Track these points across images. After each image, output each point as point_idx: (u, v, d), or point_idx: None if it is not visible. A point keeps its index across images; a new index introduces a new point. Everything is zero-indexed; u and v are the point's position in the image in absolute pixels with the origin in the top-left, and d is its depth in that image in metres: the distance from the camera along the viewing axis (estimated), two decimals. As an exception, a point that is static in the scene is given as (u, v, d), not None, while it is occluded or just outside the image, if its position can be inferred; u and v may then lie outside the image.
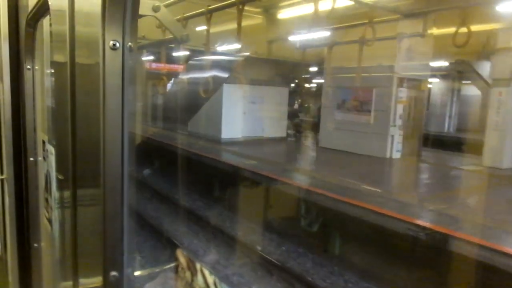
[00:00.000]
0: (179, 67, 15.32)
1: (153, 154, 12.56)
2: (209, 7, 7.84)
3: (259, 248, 6.68)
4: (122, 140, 0.78)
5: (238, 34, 7.13)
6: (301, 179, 7.77)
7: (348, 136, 11.04)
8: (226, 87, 12.34)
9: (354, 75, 9.91)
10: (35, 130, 1.73)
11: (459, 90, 18.88)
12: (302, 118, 17.01)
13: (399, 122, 10.20)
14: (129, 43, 0.76)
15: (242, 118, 12.82)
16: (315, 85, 22.01)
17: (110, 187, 0.79)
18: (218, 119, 12.52)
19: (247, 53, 12.64)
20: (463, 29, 6.03)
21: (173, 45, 12.27)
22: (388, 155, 10.20)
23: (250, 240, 7.07)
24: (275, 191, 7.72)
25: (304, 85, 20.44)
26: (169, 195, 9.75)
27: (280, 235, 7.25)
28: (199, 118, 13.85)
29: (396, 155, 10.30)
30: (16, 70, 1.77)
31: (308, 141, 14.09)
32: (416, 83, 10.64)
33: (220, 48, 12.44)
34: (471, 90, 18.11)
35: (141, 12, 0.83)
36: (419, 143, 11.18)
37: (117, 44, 0.75)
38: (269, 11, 12.93)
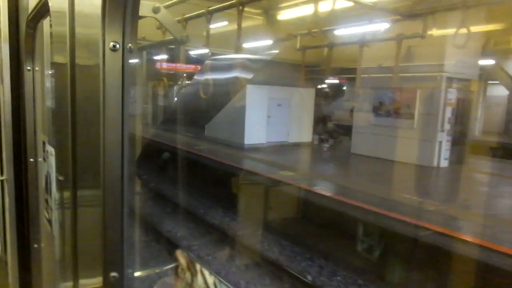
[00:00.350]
0: (192, 68, 14.66)
1: (169, 162, 11.30)
2: (209, 8, 7.85)
3: (309, 278, 5.68)
4: (122, 141, 0.78)
5: (238, 35, 7.14)
6: (349, 194, 6.73)
7: (385, 142, 10.00)
8: (250, 88, 11.32)
9: (393, 75, 9.08)
10: (35, 131, 1.74)
11: (484, 91, 17.39)
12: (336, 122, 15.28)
13: (447, 126, 9.18)
14: (129, 45, 0.76)
15: (267, 122, 11.80)
16: (325, 85, 21.21)
17: (110, 188, 0.79)
18: (241, 123, 11.40)
19: (274, 51, 11.82)
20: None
21: (173, 46, 12.08)
22: (435, 164, 9.18)
23: (297, 268, 6.04)
24: (323, 209, 6.66)
25: (316, 86, 19.43)
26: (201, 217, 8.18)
27: (332, 261, 6.18)
28: (218, 121, 12.83)
29: (444, 163, 9.29)
30: (16, 71, 1.77)
31: (339, 147, 13.02)
32: (465, 83, 9.70)
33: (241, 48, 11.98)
34: (497, 91, 16.84)
35: (141, 13, 0.83)
36: (465, 150, 10.11)
37: (117, 46, 0.75)
38: (269, 12, 12.94)
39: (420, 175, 8.73)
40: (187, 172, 9.92)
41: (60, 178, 1.05)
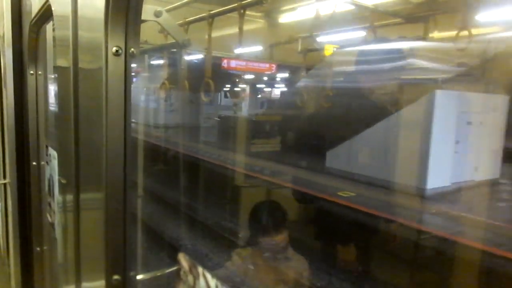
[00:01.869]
0: (266, 67, 11.12)
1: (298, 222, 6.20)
2: (211, 12, 7.89)
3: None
4: (124, 145, 0.79)
5: (240, 38, 7.17)
6: None
7: None
8: (441, 96, 7.34)
9: None
10: (38, 134, 1.74)
11: None
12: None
13: None
14: (132, 49, 0.77)
15: (454, 150, 7.72)
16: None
17: (112, 191, 0.80)
18: (419, 153, 7.30)
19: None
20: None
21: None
22: None
23: None
24: None
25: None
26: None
27: None
28: (358, 147, 8.56)
29: None
30: (19, 75, 1.78)
31: None
32: None
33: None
34: None
35: (143, 17, 0.84)
36: None
37: (120, 50, 0.76)
38: (270, 15, 12.96)
39: None
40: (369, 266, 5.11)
41: (63, 181, 1.05)
